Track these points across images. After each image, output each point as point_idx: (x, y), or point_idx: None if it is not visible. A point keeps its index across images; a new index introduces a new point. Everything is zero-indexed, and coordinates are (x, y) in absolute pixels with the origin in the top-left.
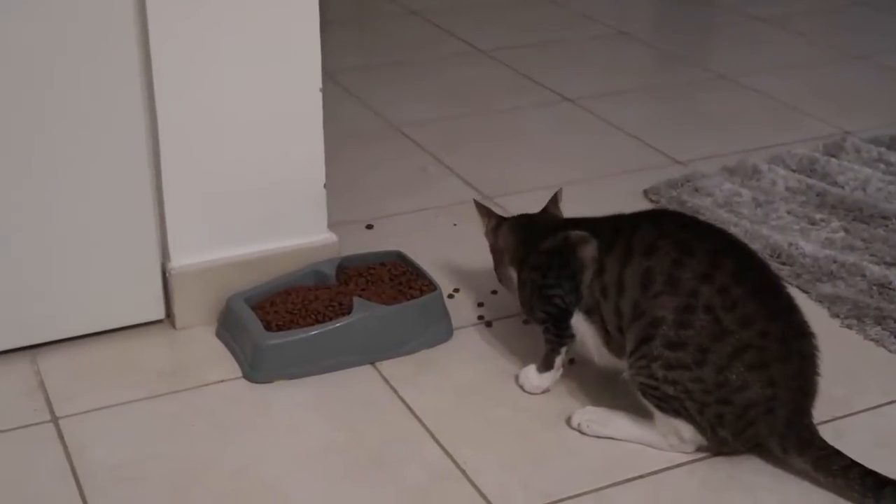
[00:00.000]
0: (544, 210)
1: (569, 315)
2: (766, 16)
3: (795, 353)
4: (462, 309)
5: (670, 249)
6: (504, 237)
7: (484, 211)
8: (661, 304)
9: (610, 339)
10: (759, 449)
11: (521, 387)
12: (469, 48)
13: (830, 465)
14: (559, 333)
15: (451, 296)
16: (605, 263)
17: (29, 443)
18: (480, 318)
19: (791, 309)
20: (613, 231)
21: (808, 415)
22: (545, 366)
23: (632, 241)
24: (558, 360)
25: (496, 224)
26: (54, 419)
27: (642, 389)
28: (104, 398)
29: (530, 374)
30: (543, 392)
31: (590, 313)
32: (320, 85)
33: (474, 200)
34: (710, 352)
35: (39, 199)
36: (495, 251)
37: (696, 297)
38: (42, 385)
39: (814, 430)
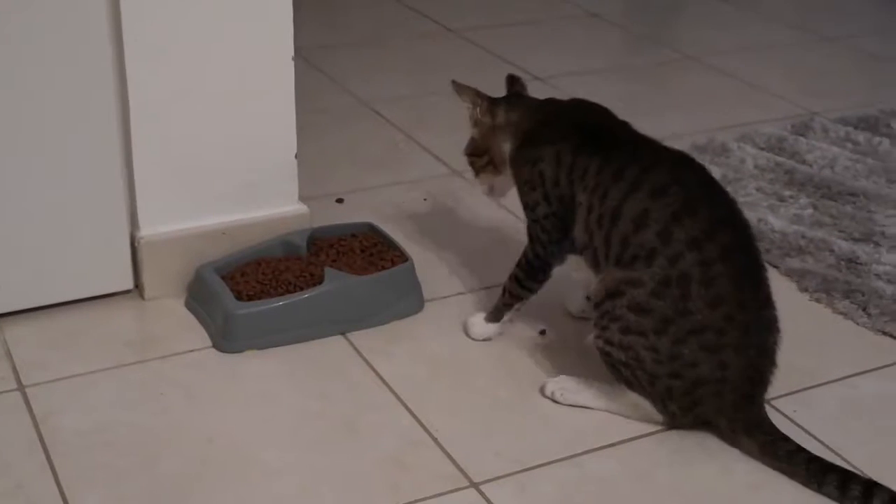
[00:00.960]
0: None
1: (547, 266)
2: None
3: (753, 347)
4: (433, 281)
5: (676, 201)
6: (509, 114)
7: (470, 92)
8: (645, 262)
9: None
10: (709, 427)
11: (466, 332)
12: (439, 28)
13: (776, 450)
14: (524, 285)
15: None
16: (608, 190)
17: None
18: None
19: (766, 304)
20: (629, 157)
21: (758, 403)
22: (494, 317)
23: (645, 177)
24: (507, 315)
25: (490, 103)
26: (21, 388)
27: (603, 358)
28: (71, 367)
29: (476, 321)
30: (484, 340)
31: (584, 250)
32: (292, 54)
33: (454, 81)
34: (672, 324)
35: (6, 168)
36: (489, 133)
37: (677, 265)
38: (9, 354)
39: (763, 415)
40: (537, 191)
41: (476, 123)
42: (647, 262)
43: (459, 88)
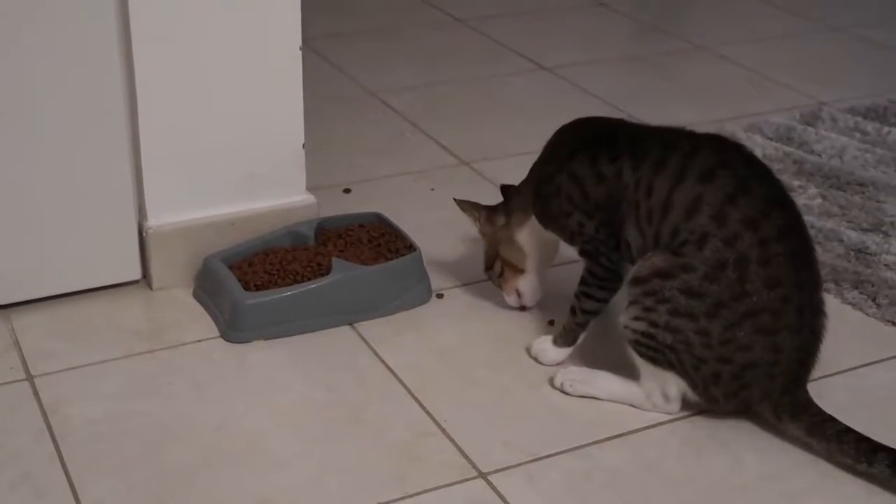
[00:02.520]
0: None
1: (617, 275)
2: None
3: (807, 328)
4: (441, 271)
5: (728, 183)
6: (508, 206)
7: (469, 207)
8: (697, 246)
9: None
10: (742, 413)
11: (535, 358)
12: (446, 17)
13: (825, 430)
14: (600, 298)
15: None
16: (653, 183)
17: (4, 401)
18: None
19: (817, 284)
20: (665, 148)
21: (804, 385)
22: (567, 341)
23: (689, 163)
24: (582, 337)
25: (489, 212)
26: (29, 377)
27: (636, 340)
28: (80, 357)
29: (546, 346)
30: (557, 365)
31: (640, 255)
32: (300, 43)
33: (455, 199)
34: (725, 307)
35: (15, 158)
36: (493, 238)
37: (734, 246)
38: (17, 344)
39: (808, 397)
40: (574, 215)
41: (483, 235)
42: (699, 245)
43: (462, 205)
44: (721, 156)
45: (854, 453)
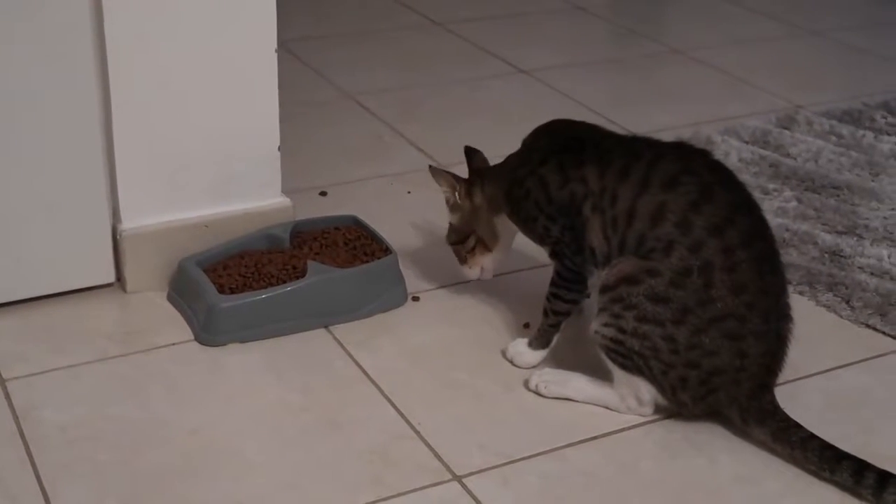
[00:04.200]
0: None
1: (581, 277)
2: None
3: (773, 333)
4: (417, 274)
5: (691, 190)
6: (485, 189)
7: (447, 178)
8: (664, 253)
9: None
10: (715, 416)
11: (511, 361)
12: (424, 20)
13: (789, 436)
14: (567, 299)
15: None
16: (617, 192)
17: None
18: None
19: (782, 289)
20: (630, 156)
21: (771, 390)
22: (541, 343)
23: (652, 171)
24: (555, 338)
25: (468, 185)
26: (1, 381)
27: (606, 346)
28: (53, 361)
29: (521, 349)
30: (533, 367)
31: (605, 262)
32: (276, 45)
33: (430, 167)
34: (691, 313)
35: None
36: (470, 215)
37: (699, 253)
38: None
39: (775, 403)
40: (540, 218)
41: (454, 208)
42: (665, 253)
43: (436, 174)
44: (684, 163)
45: (817, 461)
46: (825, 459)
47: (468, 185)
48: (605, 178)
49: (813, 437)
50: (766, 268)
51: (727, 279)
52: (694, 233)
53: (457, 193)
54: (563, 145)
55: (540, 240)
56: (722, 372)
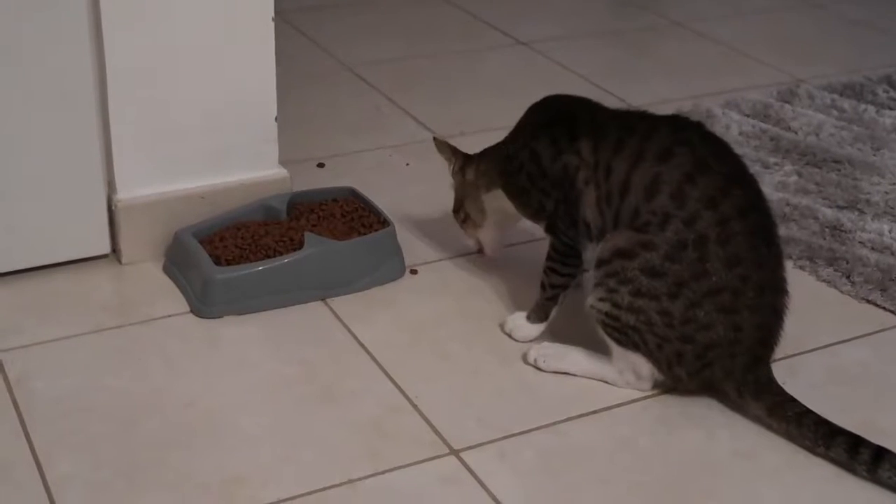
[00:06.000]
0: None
1: (575, 250)
2: None
3: (767, 306)
4: (415, 246)
5: (686, 161)
6: (479, 166)
7: (448, 150)
8: (659, 227)
9: None
10: (712, 391)
11: (509, 334)
12: None
13: (785, 411)
14: (563, 272)
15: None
16: (611, 165)
17: None
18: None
19: (778, 262)
20: (623, 130)
21: (767, 365)
22: (539, 316)
23: (646, 143)
24: (554, 311)
25: (463, 162)
26: None
27: (602, 321)
28: (47, 332)
29: (520, 323)
30: (531, 341)
31: (599, 236)
32: (272, 13)
33: (434, 138)
34: (686, 287)
35: None
36: (461, 189)
37: (694, 226)
38: None
39: (771, 377)
40: (533, 192)
41: (453, 177)
42: (661, 226)
43: (439, 145)
44: (678, 134)
45: (812, 436)
46: (820, 435)
47: (464, 161)
48: (599, 152)
49: (808, 412)
50: (762, 240)
51: (721, 252)
52: (689, 205)
53: (453, 166)
54: (556, 119)
55: (535, 215)
56: (717, 346)
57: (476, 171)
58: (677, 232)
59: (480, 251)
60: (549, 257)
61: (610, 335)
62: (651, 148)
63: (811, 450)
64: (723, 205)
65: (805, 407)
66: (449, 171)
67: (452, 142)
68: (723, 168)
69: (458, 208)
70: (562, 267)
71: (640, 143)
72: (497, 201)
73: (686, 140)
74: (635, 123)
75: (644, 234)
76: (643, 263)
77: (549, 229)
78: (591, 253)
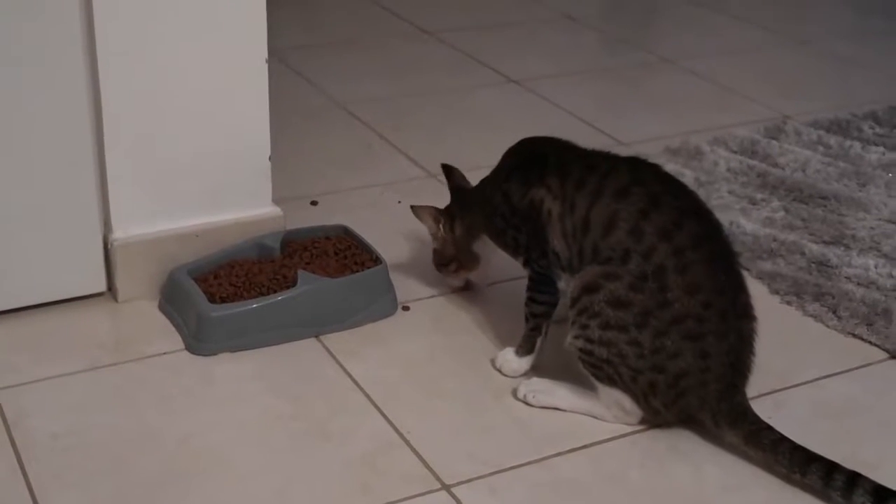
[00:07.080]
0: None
1: (551, 279)
2: (712, 1)
3: (733, 331)
4: (407, 283)
5: (641, 199)
6: (464, 219)
7: (429, 216)
8: (621, 261)
9: None
10: (691, 422)
11: (499, 370)
12: (414, 29)
13: (761, 439)
14: (541, 301)
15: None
16: (574, 201)
17: None
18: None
19: (739, 288)
20: (587, 169)
21: (741, 392)
22: (526, 349)
23: (605, 182)
24: (539, 342)
25: (448, 218)
26: None
27: (580, 357)
28: (44, 370)
29: (508, 357)
30: (521, 375)
31: (568, 266)
32: (266, 55)
33: (412, 206)
34: (651, 315)
35: None
36: (452, 245)
37: (651, 258)
38: None
39: (746, 405)
40: (508, 231)
41: (436, 238)
42: (622, 262)
43: (419, 211)
44: (635, 174)
45: (788, 463)
46: (795, 461)
47: (449, 219)
48: (565, 188)
49: (784, 438)
50: (720, 268)
51: (680, 280)
52: (645, 239)
53: (441, 228)
54: (527, 161)
55: (513, 252)
56: (687, 374)
57: (462, 224)
58: (638, 265)
59: (468, 286)
60: (527, 287)
61: (589, 371)
62: (609, 186)
63: (788, 477)
64: (677, 236)
65: (780, 434)
66: (435, 234)
67: (443, 179)
68: (676, 203)
69: (446, 262)
70: (538, 295)
71: (599, 182)
72: (487, 245)
73: (642, 180)
74: (597, 162)
75: (607, 266)
76: (608, 295)
77: (526, 263)
78: (566, 285)
